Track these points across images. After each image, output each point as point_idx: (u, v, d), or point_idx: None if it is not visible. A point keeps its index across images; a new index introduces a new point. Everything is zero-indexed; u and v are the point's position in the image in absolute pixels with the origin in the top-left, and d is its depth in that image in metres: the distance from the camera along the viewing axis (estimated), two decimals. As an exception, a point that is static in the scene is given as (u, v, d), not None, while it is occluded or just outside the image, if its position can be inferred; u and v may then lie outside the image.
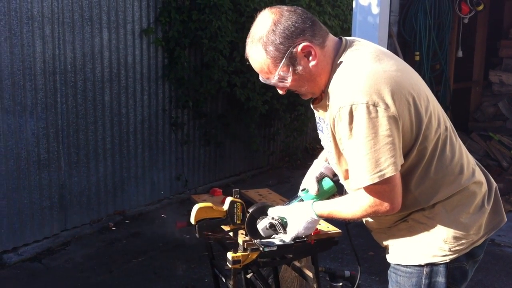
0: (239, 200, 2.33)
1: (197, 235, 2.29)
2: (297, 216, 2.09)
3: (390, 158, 1.79)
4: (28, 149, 4.63)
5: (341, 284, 2.87)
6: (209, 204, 2.31)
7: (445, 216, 1.97)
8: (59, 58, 4.81)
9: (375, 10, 4.97)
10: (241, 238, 2.41)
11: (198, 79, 6.04)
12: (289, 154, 7.69)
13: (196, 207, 2.28)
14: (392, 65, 1.89)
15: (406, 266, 2.03)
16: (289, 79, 1.92)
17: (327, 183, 2.24)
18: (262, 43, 1.90)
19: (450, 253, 1.97)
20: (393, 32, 5.82)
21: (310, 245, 2.53)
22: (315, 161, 2.37)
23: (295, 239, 2.15)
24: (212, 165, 6.67)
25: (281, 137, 7.49)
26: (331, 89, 1.90)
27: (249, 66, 2.03)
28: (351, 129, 1.79)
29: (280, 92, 2.03)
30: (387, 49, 5.18)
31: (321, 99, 2.00)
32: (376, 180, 1.81)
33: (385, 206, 1.87)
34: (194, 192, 6.07)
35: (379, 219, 2.08)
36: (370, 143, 1.78)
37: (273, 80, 1.93)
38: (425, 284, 2.01)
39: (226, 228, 2.43)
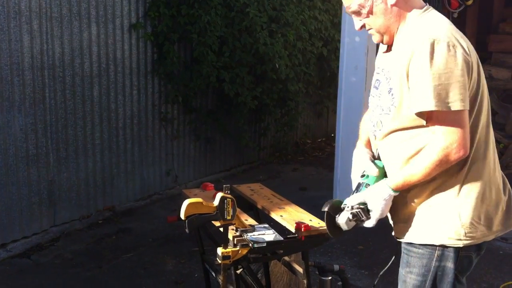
0: (229, 195, 2.33)
1: (187, 230, 2.29)
2: (376, 197, 2.08)
3: (460, 95, 1.90)
4: (17, 144, 4.60)
5: (330, 278, 2.87)
6: (199, 199, 2.31)
7: (468, 201, 2.02)
8: (47, 53, 4.77)
9: (365, 4, 4.97)
10: (231, 233, 2.41)
11: (187, 74, 6.02)
12: (280, 149, 7.70)
13: (186, 203, 2.28)
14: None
15: (419, 246, 2.09)
16: (367, 9, 2.07)
17: (380, 163, 2.24)
18: None
19: (464, 238, 2.03)
20: (383, 27, 5.83)
21: (301, 241, 2.54)
22: (356, 151, 2.38)
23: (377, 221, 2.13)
24: (202, 160, 6.66)
25: (271, 132, 7.49)
26: (410, 33, 2.02)
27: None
28: (431, 59, 1.89)
29: (356, 27, 2.17)
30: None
31: (390, 49, 2.13)
32: (444, 109, 1.89)
33: (456, 148, 1.92)
34: (184, 187, 6.05)
35: (412, 192, 2.09)
36: (445, 76, 1.89)
37: (353, 6, 2.09)
38: (434, 267, 2.07)
39: (216, 223, 2.43)
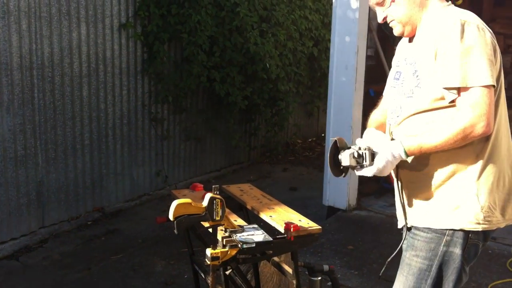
0: (218, 196, 2.32)
1: (175, 231, 2.28)
2: (387, 149, 2.06)
3: (490, 71, 1.94)
4: (5, 145, 4.56)
5: (320, 278, 2.87)
6: (188, 200, 2.30)
7: (487, 186, 2.05)
8: (36, 53, 4.73)
9: (355, 4, 4.97)
10: (220, 234, 2.40)
11: (178, 74, 6.00)
12: (270, 149, 7.70)
13: (174, 203, 2.27)
14: None
15: (427, 230, 2.10)
16: None
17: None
18: None
19: (483, 222, 2.05)
20: (373, 26, 5.84)
21: (290, 242, 2.53)
22: (367, 130, 2.31)
23: (376, 174, 2.09)
24: (193, 160, 6.64)
25: (262, 132, 7.48)
26: (436, 22, 2.07)
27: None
28: (461, 37, 1.95)
29: (379, 18, 2.21)
30: (367, 43, 5.20)
31: (412, 39, 2.18)
32: (474, 84, 1.92)
33: (481, 124, 1.93)
34: (174, 188, 6.03)
35: (429, 172, 2.10)
36: (475, 51, 1.94)
37: None
38: (442, 251, 2.09)
39: (205, 224, 2.42)
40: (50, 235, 4.90)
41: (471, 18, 2.01)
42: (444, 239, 2.08)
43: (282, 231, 2.59)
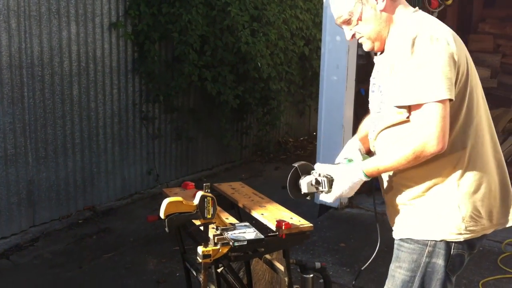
0: (210, 194, 2.31)
1: (166, 229, 2.27)
2: (345, 175, 2.09)
3: (439, 86, 1.87)
4: (-5, 144, 4.54)
5: (312, 275, 2.87)
6: (179, 198, 2.29)
7: (468, 195, 2.02)
8: (26, 52, 4.71)
9: (346, 3, 4.98)
10: (212, 232, 2.39)
11: (169, 73, 5.99)
12: (262, 148, 7.70)
13: (165, 202, 2.26)
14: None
15: (410, 241, 2.08)
16: (356, 16, 2.09)
17: (367, 157, 2.25)
18: None
19: (465, 232, 2.03)
20: (364, 26, 5.85)
21: (282, 239, 2.53)
22: (349, 141, 2.40)
23: (336, 199, 2.14)
24: (184, 159, 6.63)
25: (253, 131, 7.49)
26: (396, 34, 2.06)
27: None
28: (412, 52, 1.90)
29: (347, 37, 2.19)
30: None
31: (383, 51, 2.15)
32: (421, 101, 1.87)
33: (432, 143, 1.89)
34: (165, 186, 6.02)
35: (410, 185, 2.09)
36: (425, 67, 1.87)
37: (344, 15, 2.12)
38: (424, 262, 2.06)
39: (196, 222, 2.41)
40: (41, 234, 4.88)
41: (424, 29, 1.95)
42: (427, 250, 2.06)
43: (274, 229, 2.58)
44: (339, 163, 2.29)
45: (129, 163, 5.91)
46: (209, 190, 2.36)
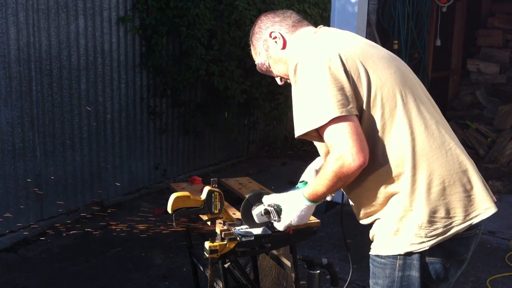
0: (217, 189, 2.31)
1: (173, 224, 2.27)
2: (290, 205, 2.07)
3: (332, 103, 1.82)
4: (3, 138, 4.55)
5: (318, 271, 2.87)
6: (186, 193, 2.29)
7: (417, 199, 1.90)
8: (34, 46, 4.72)
9: (354, -2, 4.96)
10: (219, 227, 2.39)
11: (176, 67, 5.99)
12: (269, 143, 7.69)
13: (173, 196, 2.26)
14: (348, 39, 2.11)
15: (381, 257, 2.01)
16: (266, 66, 2.25)
17: None
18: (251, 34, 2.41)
19: (428, 239, 1.90)
20: (372, 20, 5.82)
21: (289, 235, 2.52)
22: (317, 158, 2.36)
23: (288, 227, 2.14)
24: (191, 154, 6.63)
25: (260, 126, 7.47)
26: None
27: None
28: (295, 81, 1.91)
29: (278, 82, 2.30)
30: (366, 37, 5.19)
31: None
32: (323, 122, 1.82)
33: (348, 161, 1.80)
34: (173, 181, 6.03)
35: (364, 206, 2.05)
36: (309, 92, 1.86)
37: (260, 67, 2.30)
38: (398, 277, 1.97)
39: (204, 217, 2.41)
40: (48, 228, 4.89)
41: (305, 54, 1.93)
42: (397, 264, 1.96)
43: (281, 224, 2.58)
44: (302, 181, 2.28)
45: (137, 157, 5.92)
46: (216, 185, 2.35)
